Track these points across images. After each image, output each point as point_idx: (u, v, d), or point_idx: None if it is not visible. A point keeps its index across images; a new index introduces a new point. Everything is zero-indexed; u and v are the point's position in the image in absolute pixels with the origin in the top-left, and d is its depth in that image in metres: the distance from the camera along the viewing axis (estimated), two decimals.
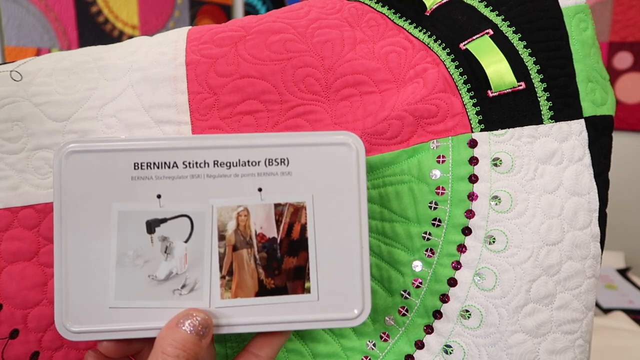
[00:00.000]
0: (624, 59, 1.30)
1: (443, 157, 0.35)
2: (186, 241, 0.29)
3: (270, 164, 0.30)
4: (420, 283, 0.35)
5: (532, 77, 0.35)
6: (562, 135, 0.35)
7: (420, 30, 0.38)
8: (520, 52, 0.36)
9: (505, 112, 0.35)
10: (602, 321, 0.82)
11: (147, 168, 0.29)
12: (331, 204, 0.30)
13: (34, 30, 1.11)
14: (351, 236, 0.30)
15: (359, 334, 0.36)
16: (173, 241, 0.29)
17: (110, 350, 0.29)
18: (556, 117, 0.35)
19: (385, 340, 0.36)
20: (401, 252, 0.36)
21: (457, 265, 0.35)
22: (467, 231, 0.35)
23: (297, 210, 0.30)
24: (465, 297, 0.34)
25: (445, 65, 0.36)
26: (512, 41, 0.36)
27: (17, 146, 0.35)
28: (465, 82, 0.36)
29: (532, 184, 0.35)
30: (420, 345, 0.35)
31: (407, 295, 0.36)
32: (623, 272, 1.13)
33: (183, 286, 0.29)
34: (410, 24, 0.38)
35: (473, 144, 0.35)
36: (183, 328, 0.27)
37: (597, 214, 0.35)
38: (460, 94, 0.36)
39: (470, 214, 0.35)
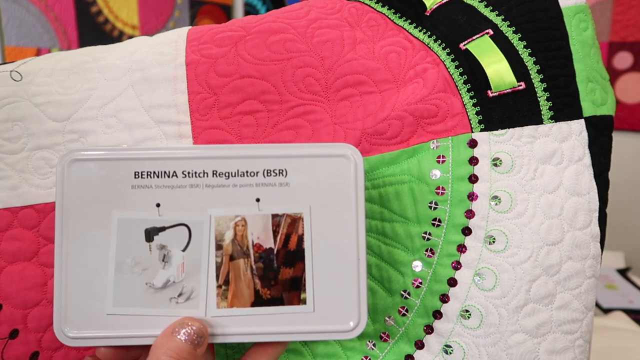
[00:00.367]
0: (624, 59, 1.30)
1: (443, 157, 0.35)
2: (184, 250, 0.29)
3: (269, 174, 0.30)
4: (420, 283, 0.35)
5: (532, 77, 0.35)
6: (562, 135, 0.35)
7: (420, 30, 0.38)
8: (520, 52, 0.36)
9: (505, 112, 0.35)
10: (602, 321, 0.82)
11: (147, 177, 0.29)
12: (328, 215, 0.30)
13: (34, 30, 1.11)
14: (348, 248, 0.30)
15: (359, 334, 0.36)
16: (171, 250, 0.29)
17: (108, 356, 0.29)
18: (556, 117, 0.35)
19: (385, 341, 0.36)
20: (401, 252, 0.36)
21: (457, 265, 0.35)
22: (467, 231, 0.35)
23: (295, 221, 0.30)
24: (465, 297, 0.34)
25: (445, 65, 0.36)
26: (512, 41, 0.36)
27: (17, 146, 0.35)
28: (465, 82, 0.36)
29: (532, 184, 0.35)
30: (420, 345, 0.35)
31: (407, 295, 0.36)
32: (623, 272, 1.13)
33: (180, 294, 0.29)
34: (410, 24, 0.38)
35: (473, 144, 0.35)
36: (178, 337, 0.27)
37: (597, 214, 0.35)
38: (460, 94, 0.36)
39: (470, 214, 0.35)
